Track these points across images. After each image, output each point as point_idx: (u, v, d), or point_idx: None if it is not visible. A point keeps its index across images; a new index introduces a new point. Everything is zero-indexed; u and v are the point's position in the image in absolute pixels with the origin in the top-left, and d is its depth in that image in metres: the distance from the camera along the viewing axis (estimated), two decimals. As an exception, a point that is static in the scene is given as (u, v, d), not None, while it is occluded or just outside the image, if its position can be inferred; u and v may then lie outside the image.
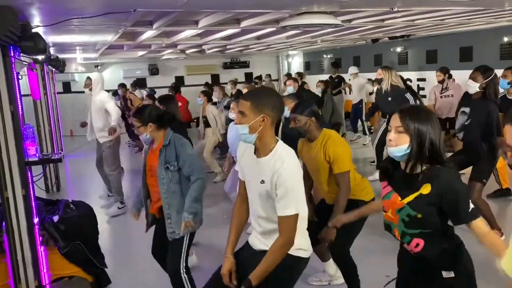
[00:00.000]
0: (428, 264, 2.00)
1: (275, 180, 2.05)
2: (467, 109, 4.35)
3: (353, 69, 9.99)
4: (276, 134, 2.25)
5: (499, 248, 1.77)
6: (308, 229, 2.26)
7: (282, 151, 2.14)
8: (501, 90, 4.99)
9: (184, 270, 3.00)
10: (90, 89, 5.61)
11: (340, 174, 3.02)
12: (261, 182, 2.12)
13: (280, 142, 2.18)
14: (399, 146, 1.89)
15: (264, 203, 2.16)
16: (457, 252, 1.99)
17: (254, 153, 2.19)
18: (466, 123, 4.31)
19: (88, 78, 5.67)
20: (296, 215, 2.07)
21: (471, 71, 4.22)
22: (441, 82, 7.06)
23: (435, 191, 1.86)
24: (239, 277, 2.26)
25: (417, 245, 1.98)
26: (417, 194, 1.90)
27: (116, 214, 5.67)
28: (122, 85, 10.95)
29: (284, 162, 2.08)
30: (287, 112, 4.60)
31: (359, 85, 9.71)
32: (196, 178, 2.97)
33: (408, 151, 1.89)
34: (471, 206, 1.86)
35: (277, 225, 2.12)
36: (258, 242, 2.27)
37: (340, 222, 2.67)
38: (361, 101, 9.65)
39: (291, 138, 3.27)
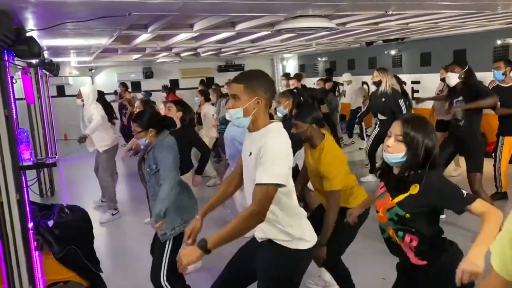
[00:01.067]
0: (426, 277, 2.02)
1: (261, 150, 2.00)
2: (461, 97, 4.43)
3: (346, 77, 10.03)
4: None
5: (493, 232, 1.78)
6: None
7: (274, 127, 2.10)
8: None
9: (165, 278, 2.99)
10: (82, 100, 5.64)
11: (330, 192, 2.98)
12: (249, 155, 2.11)
13: (276, 123, 2.14)
14: (395, 153, 1.96)
15: (253, 181, 2.09)
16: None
17: (249, 131, 2.17)
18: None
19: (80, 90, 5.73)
20: (273, 187, 1.96)
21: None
22: (443, 80, 6.76)
23: (422, 190, 1.93)
24: (246, 267, 2.29)
25: (411, 240, 2.02)
26: (407, 195, 1.97)
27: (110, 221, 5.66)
28: (122, 84, 10.96)
29: (272, 134, 2.05)
30: (283, 111, 4.60)
31: (354, 91, 9.74)
32: (164, 176, 2.93)
33: (404, 159, 1.96)
34: (464, 193, 1.90)
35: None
36: (257, 232, 2.25)
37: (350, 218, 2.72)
38: (359, 107, 9.68)
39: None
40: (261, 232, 2.21)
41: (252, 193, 2.01)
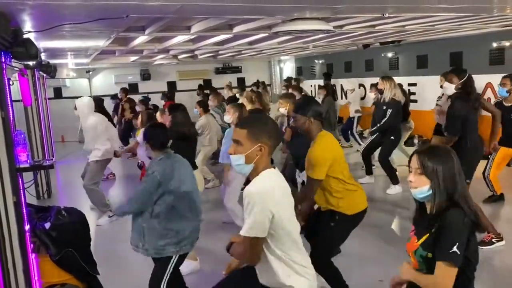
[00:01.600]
0: None
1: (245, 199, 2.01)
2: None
3: (348, 85, 10.04)
4: None
5: None
6: None
7: (262, 175, 2.03)
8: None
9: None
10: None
11: (309, 177, 3.00)
12: None
13: (269, 170, 2.06)
14: (419, 188, 1.90)
15: None
16: None
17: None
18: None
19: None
20: (252, 239, 1.97)
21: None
22: (442, 87, 6.77)
23: (437, 228, 1.86)
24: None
25: None
26: (429, 235, 1.90)
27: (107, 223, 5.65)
28: (123, 90, 10.90)
29: (256, 180, 2.01)
30: (284, 111, 4.82)
31: (355, 100, 9.77)
32: (141, 190, 3.04)
33: (430, 192, 1.88)
34: (454, 250, 1.79)
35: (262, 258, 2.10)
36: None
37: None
38: (354, 116, 9.69)
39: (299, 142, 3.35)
40: (260, 277, 2.20)
41: None
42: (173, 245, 3.02)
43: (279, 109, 5.46)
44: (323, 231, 3.09)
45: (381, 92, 6.42)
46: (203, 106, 7.20)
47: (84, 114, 5.62)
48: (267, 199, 1.96)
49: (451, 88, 4.25)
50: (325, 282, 3.53)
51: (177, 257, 3.05)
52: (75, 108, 5.73)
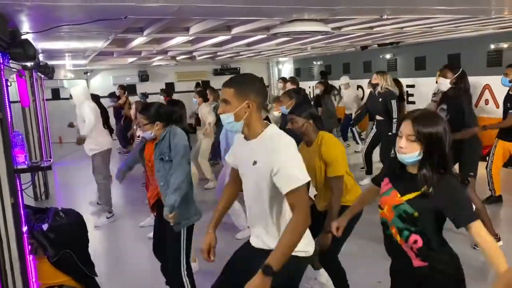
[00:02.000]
0: (426, 279, 1.99)
1: (273, 158, 1.98)
2: (445, 106, 4.47)
3: (344, 79, 10.01)
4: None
5: (498, 256, 1.83)
6: None
7: (274, 132, 2.10)
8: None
9: (185, 272, 3.00)
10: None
11: (334, 178, 2.99)
12: (253, 164, 2.07)
13: (272, 126, 2.13)
14: (409, 153, 1.91)
15: (258, 191, 2.10)
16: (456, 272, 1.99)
17: (245, 138, 2.16)
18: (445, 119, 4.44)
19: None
20: (304, 186, 1.98)
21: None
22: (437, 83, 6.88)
23: (436, 192, 1.88)
24: (240, 269, 2.24)
25: (416, 241, 1.97)
26: (418, 193, 1.92)
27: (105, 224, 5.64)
28: (121, 87, 10.87)
29: (281, 139, 2.05)
30: (286, 111, 4.76)
31: (351, 96, 9.72)
32: (177, 164, 2.93)
33: (420, 157, 1.91)
34: (474, 207, 1.88)
35: (268, 220, 2.10)
36: (255, 240, 2.24)
37: (334, 227, 2.51)
38: (351, 113, 9.66)
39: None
40: (261, 242, 2.18)
41: (269, 200, 2.07)
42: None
43: (273, 113, 5.46)
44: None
45: (375, 86, 6.45)
46: (202, 96, 7.15)
47: (80, 100, 5.56)
48: (295, 147, 2.06)
49: (446, 84, 4.33)
50: (317, 274, 3.56)
51: (185, 229, 3.03)
52: (71, 97, 5.68)
